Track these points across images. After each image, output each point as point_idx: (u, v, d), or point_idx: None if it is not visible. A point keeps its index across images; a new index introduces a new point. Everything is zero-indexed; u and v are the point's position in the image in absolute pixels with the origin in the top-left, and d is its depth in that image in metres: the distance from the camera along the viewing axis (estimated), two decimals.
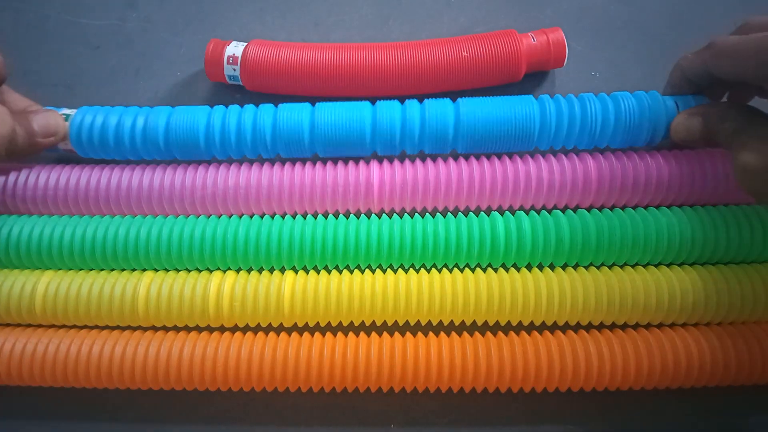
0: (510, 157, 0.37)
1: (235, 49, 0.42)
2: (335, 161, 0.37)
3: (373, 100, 0.38)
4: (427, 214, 0.37)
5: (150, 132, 0.37)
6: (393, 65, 0.40)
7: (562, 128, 0.35)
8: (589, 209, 0.36)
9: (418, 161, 0.37)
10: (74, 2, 0.49)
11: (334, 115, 0.36)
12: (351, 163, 0.37)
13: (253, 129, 0.37)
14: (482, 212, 0.36)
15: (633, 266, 0.35)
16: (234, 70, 0.42)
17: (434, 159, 0.37)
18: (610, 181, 0.35)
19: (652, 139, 0.36)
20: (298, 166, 0.37)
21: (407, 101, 0.37)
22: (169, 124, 0.37)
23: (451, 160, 0.37)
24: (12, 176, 0.38)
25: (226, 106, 0.38)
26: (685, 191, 0.35)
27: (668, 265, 0.35)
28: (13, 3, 0.49)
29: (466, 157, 0.37)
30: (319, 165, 0.37)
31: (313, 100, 0.38)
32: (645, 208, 0.36)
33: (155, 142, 0.37)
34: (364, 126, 0.36)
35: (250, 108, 0.37)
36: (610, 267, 0.35)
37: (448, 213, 0.37)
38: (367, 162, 0.37)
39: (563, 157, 0.36)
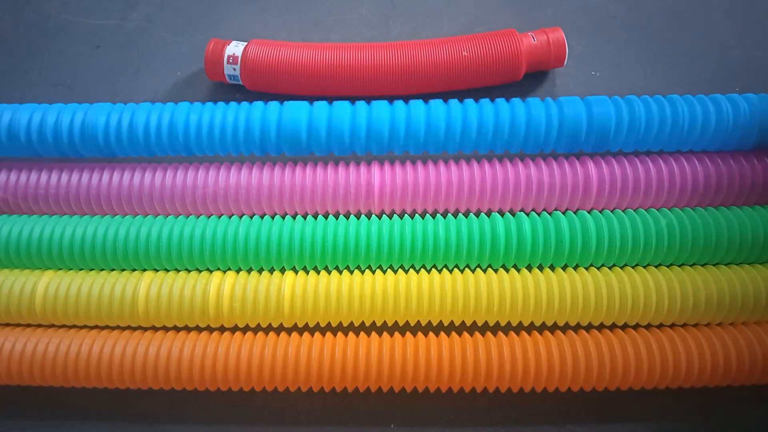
0: (511, 160, 0.37)
1: (235, 48, 0.42)
2: (336, 162, 0.37)
3: (391, 100, 0.37)
4: (427, 215, 0.37)
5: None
6: (393, 65, 0.40)
7: (666, 129, 0.35)
8: (590, 211, 0.36)
9: (419, 163, 0.37)
10: (74, 2, 0.49)
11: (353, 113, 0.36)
12: (352, 165, 0.37)
13: (170, 125, 0.36)
14: (482, 213, 0.36)
15: (633, 267, 0.35)
16: (234, 69, 0.42)
17: (435, 161, 0.37)
18: (610, 183, 0.35)
19: (761, 143, 0.35)
20: (299, 167, 0.37)
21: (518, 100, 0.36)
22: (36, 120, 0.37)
23: (452, 163, 0.37)
24: (13, 176, 0.38)
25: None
26: (699, 194, 0.35)
27: (668, 266, 0.35)
28: (13, 3, 0.49)
29: (467, 160, 0.37)
30: (320, 166, 0.37)
31: (312, 99, 0.38)
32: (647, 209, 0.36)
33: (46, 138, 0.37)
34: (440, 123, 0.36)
35: (143, 106, 0.37)
36: (610, 267, 0.35)
37: (449, 214, 0.37)
38: (369, 163, 0.37)
39: (564, 160, 0.36)
